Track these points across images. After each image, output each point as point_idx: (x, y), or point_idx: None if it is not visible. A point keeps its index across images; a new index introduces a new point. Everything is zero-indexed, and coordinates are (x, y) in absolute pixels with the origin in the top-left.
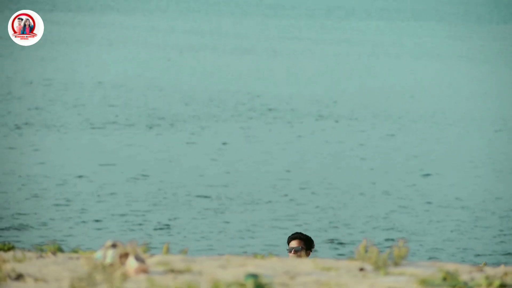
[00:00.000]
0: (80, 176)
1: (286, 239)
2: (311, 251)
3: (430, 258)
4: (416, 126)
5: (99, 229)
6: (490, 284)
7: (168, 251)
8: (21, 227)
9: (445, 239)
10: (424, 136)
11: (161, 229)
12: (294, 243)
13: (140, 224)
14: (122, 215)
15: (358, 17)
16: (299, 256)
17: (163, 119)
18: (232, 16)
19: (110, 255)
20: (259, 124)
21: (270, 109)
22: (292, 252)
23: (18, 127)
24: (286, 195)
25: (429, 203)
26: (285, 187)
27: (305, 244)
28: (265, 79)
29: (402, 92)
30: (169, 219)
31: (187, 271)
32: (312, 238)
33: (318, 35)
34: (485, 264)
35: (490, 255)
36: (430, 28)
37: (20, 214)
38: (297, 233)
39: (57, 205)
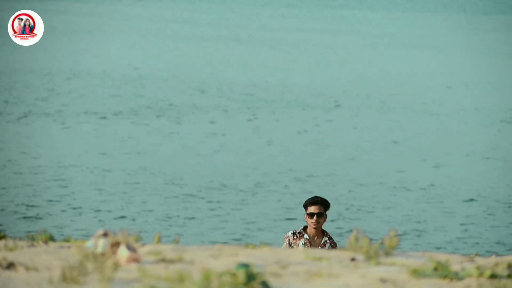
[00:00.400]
0: (82, 166)
1: (303, 204)
2: (326, 213)
3: (437, 249)
4: (419, 117)
5: (100, 219)
6: (481, 274)
7: (159, 240)
8: (23, 218)
9: (454, 231)
10: (427, 127)
11: (164, 220)
12: (315, 209)
13: (141, 214)
14: (125, 205)
15: (357, 8)
16: (319, 222)
17: (165, 109)
18: (230, 5)
19: (101, 244)
20: (262, 114)
21: (272, 100)
22: (315, 218)
23: (20, 117)
24: (288, 187)
25: (436, 194)
26: (289, 178)
27: (325, 208)
28: (265, 70)
29: (402, 83)
30: (170, 210)
31: (179, 260)
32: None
33: (317, 25)
34: (476, 254)
35: (494, 245)
36: (430, 19)
37: (22, 204)
38: (316, 197)
39: (58, 195)
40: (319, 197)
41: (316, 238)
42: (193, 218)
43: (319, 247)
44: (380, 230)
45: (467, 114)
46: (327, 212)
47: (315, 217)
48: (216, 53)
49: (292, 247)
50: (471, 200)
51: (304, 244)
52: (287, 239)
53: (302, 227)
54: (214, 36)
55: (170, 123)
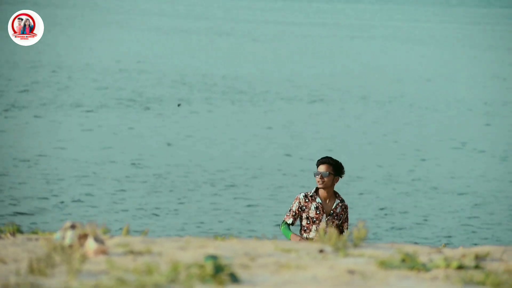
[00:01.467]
0: (68, 159)
1: (316, 163)
2: (340, 177)
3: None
4: (399, 110)
5: (89, 212)
6: (448, 265)
7: (128, 232)
8: (12, 212)
9: (439, 223)
10: (408, 120)
11: (153, 213)
12: (321, 168)
13: (131, 207)
14: (114, 198)
15: (337, 0)
16: (324, 182)
17: (148, 102)
18: None
19: (69, 236)
20: (244, 107)
21: (255, 93)
22: (319, 177)
23: (6, 109)
24: (274, 180)
25: (431, 188)
26: (275, 171)
27: (334, 170)
28: (246, 62)
29: (390, 76)
30: (158, 203)
31: (147, 252)
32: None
33: (298, 18)
34: (445, 245)
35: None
36: (410, 12)
37: (13, 198)
38: (326, 157)
39: (43, 189)
40: (327, 157)
41: (328, 201)
42: (182, 210)
43: (331, 211)
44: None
45: (449, 107)
46: (342, 177)
47: (319, 176)
48: (198, 45)
49: (303, 209)
50: (457, 192)
51: (316, 208)
52: (298, 201)
53: (314, 190)
54: (196, 28)
55: (154, 116)
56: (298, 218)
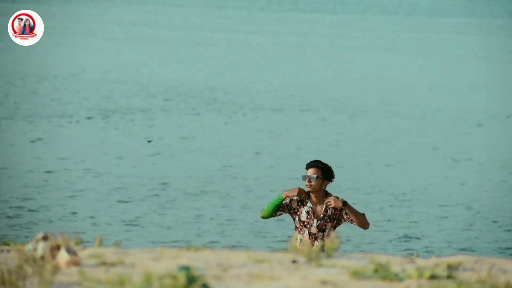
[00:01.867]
0: (59, 170)
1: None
2: (330, 181)
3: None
4: (385, 120)
5: (68, 224)
6: (421, 275)
7: (101, 243)
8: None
9: (430, 235)
10: (394, 130)
11: (128, 224)
12: (309, 172)
13: (122, 220)
14: (104, 210)
15: (320, 11)
16: (311, 185)
17: (132, 113)
18: (191, 8)
19: (41, 248)
20: (229, 117)
21: (238, 103)
22: (307, 180)
23: None
24: (261, 191)
25: (414, 199)
26: (262, 182)
27: (322, 173)
28: (227, 72)
29: (366, 86)
30: (149, 215)
31: (120, 263)
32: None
33: (280, 28)
34: (417, 255)
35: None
36: (392, 21)
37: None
38: (315, 161)
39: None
40: (316, 160)
41: (318, 205)
42: (172, 222)
43: (321, 215)
44: (352, 233)
45: (432, 116)
46: (333, 181)
47: (306, 180)
48: (179, 56)
49: (295, 212)
50: (446, 204)
51: (307, 212)
52: (289, 199)
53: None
54: (175, 39)
55: (140, 127)
56: (282, 213)
